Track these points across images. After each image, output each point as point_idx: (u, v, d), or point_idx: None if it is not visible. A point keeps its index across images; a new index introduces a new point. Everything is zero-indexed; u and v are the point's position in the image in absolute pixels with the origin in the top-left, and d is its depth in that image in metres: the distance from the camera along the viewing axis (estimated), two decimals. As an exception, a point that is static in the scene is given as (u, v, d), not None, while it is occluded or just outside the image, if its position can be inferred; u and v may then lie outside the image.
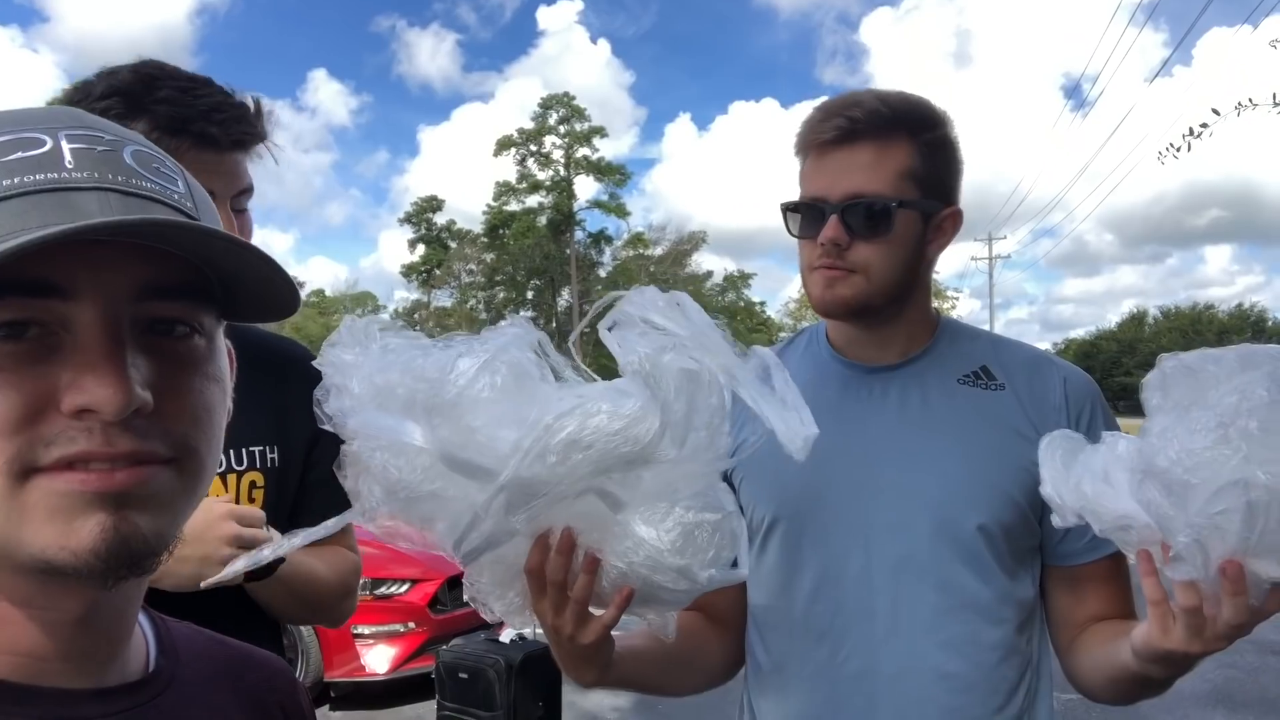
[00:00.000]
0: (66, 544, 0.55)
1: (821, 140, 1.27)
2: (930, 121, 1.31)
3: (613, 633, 1.05)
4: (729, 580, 0.99)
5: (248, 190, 1.29)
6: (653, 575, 0.94)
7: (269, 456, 1.32)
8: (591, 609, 1.00)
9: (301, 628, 5.53)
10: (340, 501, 0.93)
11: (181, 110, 1.18)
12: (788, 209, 1.33)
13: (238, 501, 1.27)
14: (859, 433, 1.31)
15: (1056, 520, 1.02)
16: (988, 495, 1.25)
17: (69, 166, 0.56)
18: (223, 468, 1.26)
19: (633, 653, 1.22)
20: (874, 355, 1.36)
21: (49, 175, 0.55)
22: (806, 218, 1.30)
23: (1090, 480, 0.98)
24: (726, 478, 1.32)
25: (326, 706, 5.68)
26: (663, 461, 0.91)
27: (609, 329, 0.99)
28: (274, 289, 0.63)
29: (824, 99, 1.34)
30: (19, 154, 0.56)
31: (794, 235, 1.33)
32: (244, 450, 1.29)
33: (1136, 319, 79.04)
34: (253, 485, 1.30)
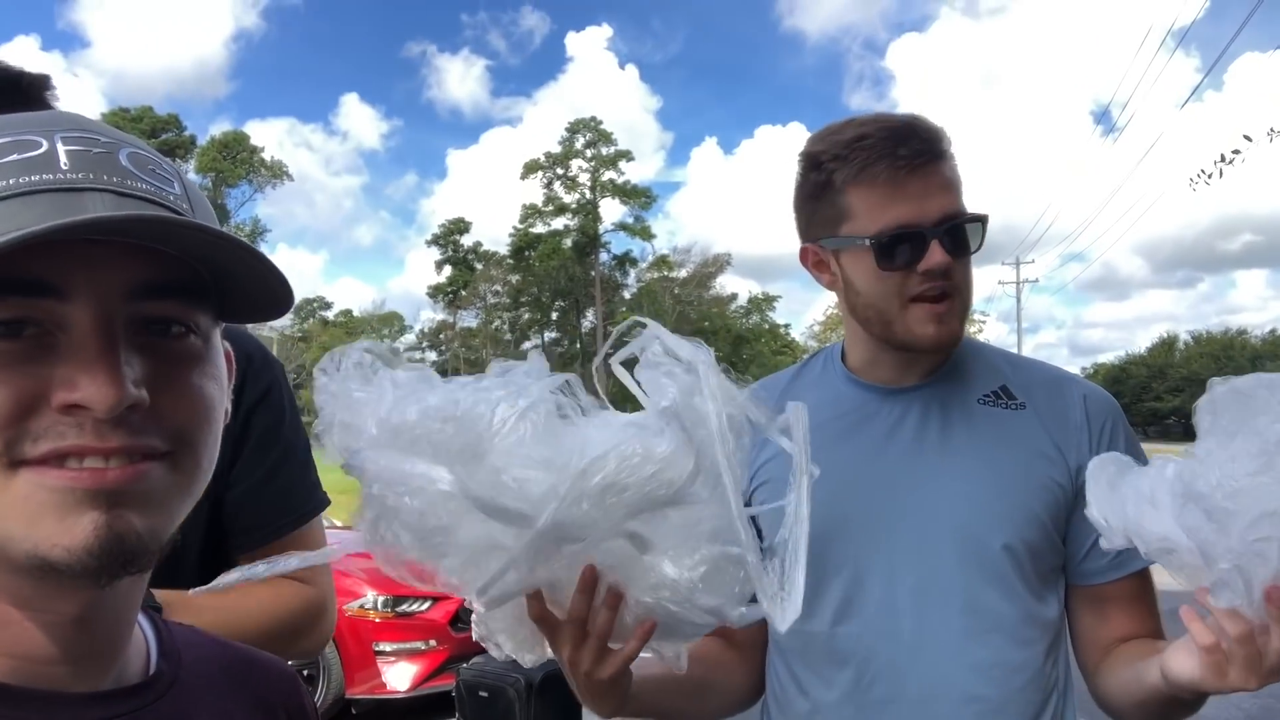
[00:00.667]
0: (60, 541, 0.55)
1: (904, 163, 1.22)
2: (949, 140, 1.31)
3: None
4: (757, 616, 0.97)
5: None
6: (679, 611, 0.94)
7: None
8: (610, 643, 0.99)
9: (324, 644, 5.57)
10: (286, 511, 0.89)
11: None
12: (877, 242, 1.23)
13: None
14: (879, 457, 1.30)
15: (1104, 543, 1.00)
16: (1012, 515, 1.24)
17: (64, 168, 0.57)
18: None
19: (652, 681, 1.21)
20: (895, 377, 1.34)
21: (44, 176, 0.56)
22: (895, 249, 1.23)
23: (1135, 502, 0.97)
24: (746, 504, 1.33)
25: (348, 724, 5.69)
26: (694, 503, 0.91)
27: (623, 363, 1.00)
28: (268, 287, 0.63)
29: (853, 124, 1.28)
30: (15, 155, 0.56)
31: (887, 268, 1.24)
32: None
33: (1167, 344, 78.00)
34: None
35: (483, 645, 1.03)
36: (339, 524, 8.31)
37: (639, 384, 0.97)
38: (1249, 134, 6.44)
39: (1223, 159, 6.54)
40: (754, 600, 0.96)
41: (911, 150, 1.22)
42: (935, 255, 1.21)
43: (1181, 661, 1.00)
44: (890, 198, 1.23)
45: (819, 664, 1.30)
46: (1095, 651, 1.30)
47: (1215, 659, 0.93)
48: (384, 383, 0.92)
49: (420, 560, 0.90)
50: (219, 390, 0.64)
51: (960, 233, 1.24)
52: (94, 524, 0.55)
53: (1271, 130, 6.36)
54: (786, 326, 67.68)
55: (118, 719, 0.62)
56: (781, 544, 0.96)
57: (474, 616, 1.02)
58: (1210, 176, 6.60)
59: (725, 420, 0.92)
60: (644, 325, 1.01)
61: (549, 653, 1.03)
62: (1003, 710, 1.22)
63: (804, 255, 1.38)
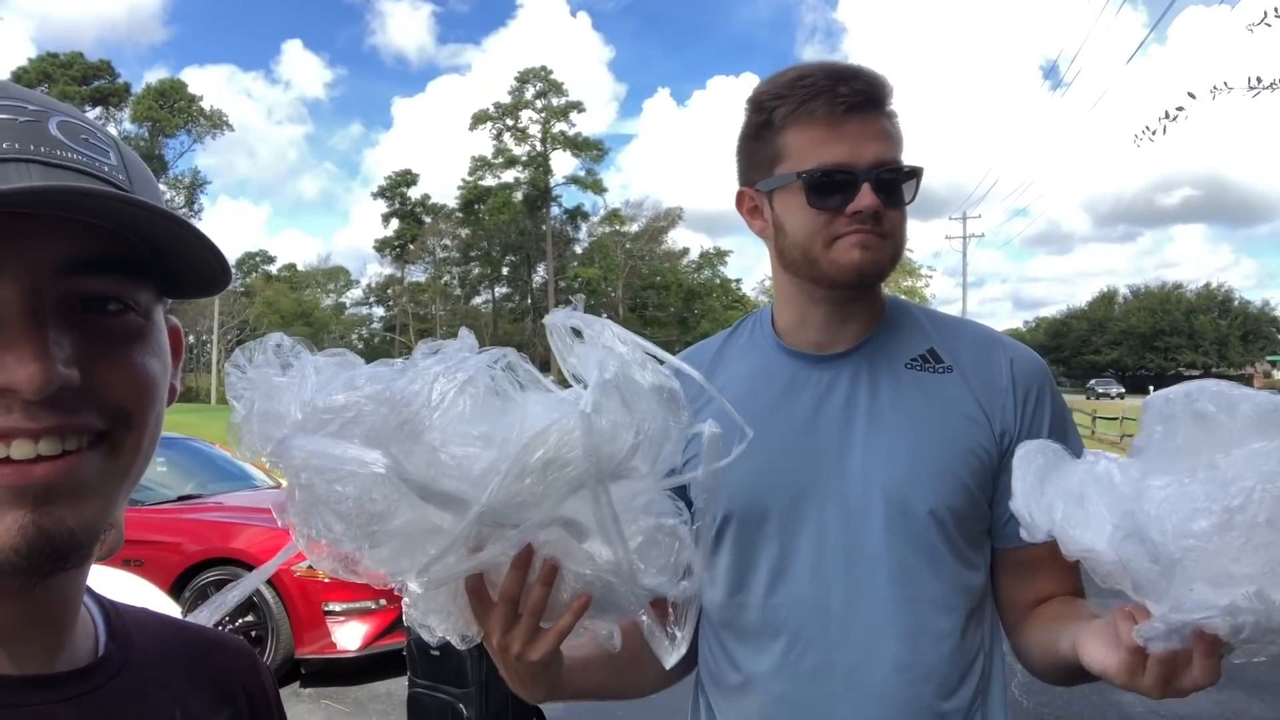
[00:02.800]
0: None
1: (842, 105, 1.22)
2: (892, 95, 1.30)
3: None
4: (697, 590, 0.97)
5: None
6: (616, 583, 0.91)
7: None
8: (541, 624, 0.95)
9: (272, 605, 5.50)
10: None
11: None
12: (807, 177, 1.23)
13: None
14: (808, 428, 1.28)
15: (1024, 534, 0.96)
16: (938, 481, 1.23)
17: None
18: None
19: (582, 663, 1.19)
20: (824, 340, 1.32)
21: None
22: (826, 187, 1.23)
23: (1064, 502, 0.93)
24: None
25: (297, 683, 5.66)
26: (634, 478, 0.90)
27: (563, 336, 0.97)
28: (205, 262, 0.60)
29: (797, 68, 1.28)
30: None
31: (816, 206, 1.23)
32: None
33: (1106, 298, 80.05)
34: None
35: (414, 629, 0.99)
36: (284, 483, 8.23)
37: (577, 360, 0.94)
38: (1193, 91, 6.50)
39: (1167, 115, 6.60)
40: (690, 572, 0.96)
41: (852, 90, 1.22)
42: (865, 198, 1.21)
43: (1096, 651, 0.98)
44: (827, 137, 1.23)
45: (751, 636, 1.30)
46: (1016, 610, 1.31)
47: (1132, 662, 0.92)
48: (306, 368, 0.87)
49: (354, 550, 0.86)
50: (162, 369, 0.61)
51: (894, 182, 1.24)
52: (19, 524, 0.53)
53: (1214, 88, 6.44)
54: (738, 281, 68.01)
55: (66, 702, 0.60)
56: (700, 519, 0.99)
57: (404, 602, 0.97)
58: (1155, 133, 6.67)
59: (667, 394, 0.92)
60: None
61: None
62: (931, 677, 1.22)
63: (739, 200, 1.37)
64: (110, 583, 3.99)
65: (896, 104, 1.29)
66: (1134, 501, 0.85)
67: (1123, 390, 58.43)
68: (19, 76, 57.62)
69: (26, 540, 0.53)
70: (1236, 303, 71.75)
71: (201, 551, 5.76)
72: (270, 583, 5.55)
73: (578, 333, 0.95)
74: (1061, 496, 0.93)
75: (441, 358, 0.89)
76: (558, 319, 0.97)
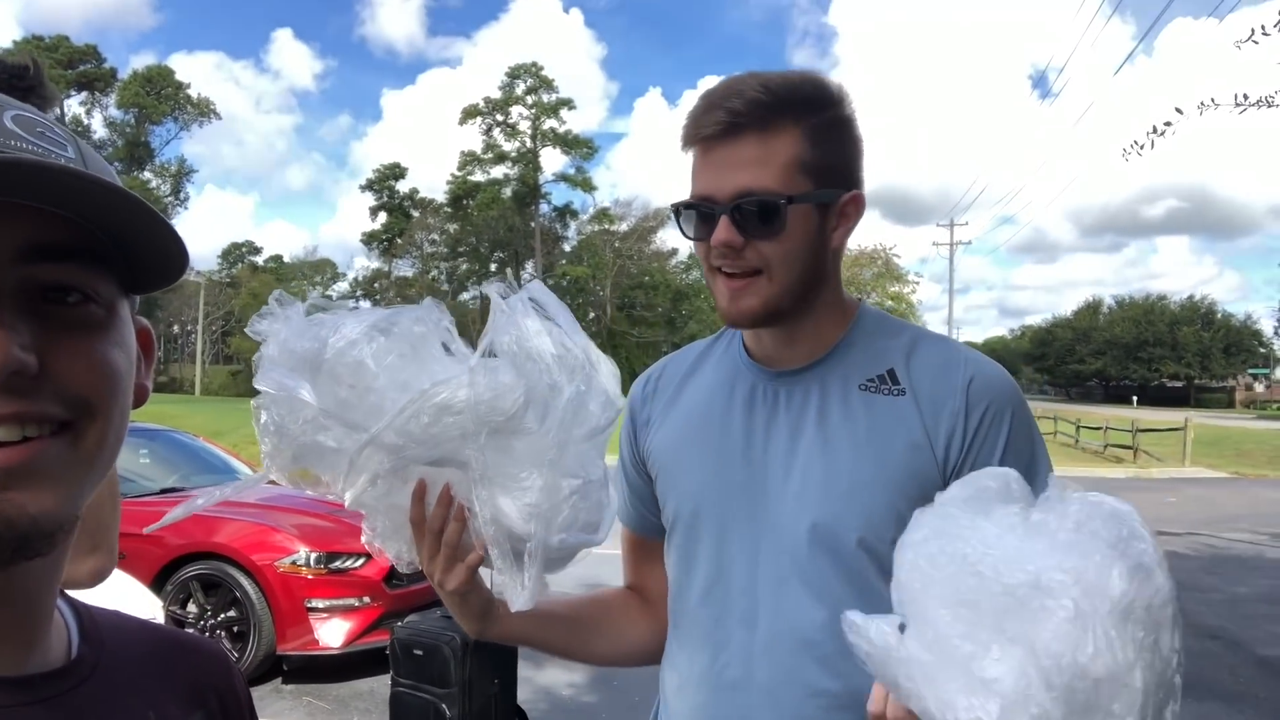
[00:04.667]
0: None
1: (703, 135, 1.18)
2: (818, 103, 1.19)
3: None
4: (580, 543, 1.16)
5: None
6: (511, 530, 1.10)
7: None
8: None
9: (255, 601, 5.47)
10: None
11: None
12: (678, 209, 1.23)
13: None
14: (760, 440, 1.27)
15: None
16: (870, 510, 1.18)
17: None
18: None
19: (545, 616, 1.32)
20: (782, 358, 1.29)
21: None
22: (699, 218, 1.21)
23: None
24: (643, 468, 1.42)
25: (279, 680, 5.63)
26: (528, 432, 1.09)
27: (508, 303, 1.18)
28: (165, 251, 0.59)
29: (708, 87, 1.22)
30: None
31: (688, 237, 1.24)
32: None
33: (1092, 308, 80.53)
34: None
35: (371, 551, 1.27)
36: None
37: (498, 326, 1.14)
38: (1180, 107, 6.55)
39: (1154, 130, 6.65)
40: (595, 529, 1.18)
41: (713, 121, 1.17)
42: (720, 232, 1.17)
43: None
44: (698, 166, 1.22)
45: (686, 639, 1.31)
46: None
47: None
48: (295, 315, 1.11)
49: (295, 467, 1.11)
50: (126, 362, 0.60)
51: (758, 213, 1.16)
52: None
53: (1201, 104, 6.48)
54: (726, 282, 67.77)
55: (37, 704, 0.59)
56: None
57: (363, 524, 1.20)
58: (1142, 147, 6.71)
59: (554, 360, 1.12)
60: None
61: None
62: (850, 706, 1.18)
63: None
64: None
65: (813, 113, 1.18)
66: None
67: None
68: (2, 60, 56.85)
69: None
70: (1220, 315, 72.24)
71: (184, 545, 5.72)
72: (253, 579, 5.52)
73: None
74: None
75: (391, 314, 1.11)
76: (492, 290, 1.18)
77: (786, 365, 1.29)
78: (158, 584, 5.54)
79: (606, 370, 1.20)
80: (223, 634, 5.54)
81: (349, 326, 1.08)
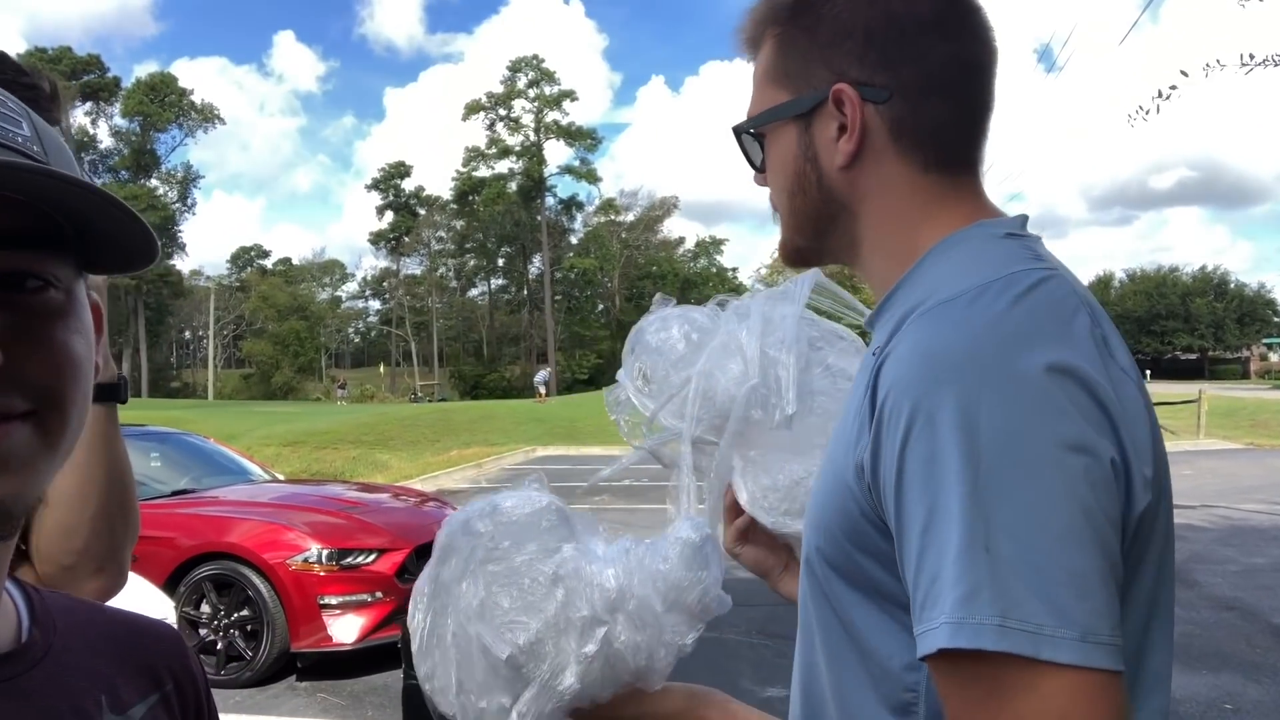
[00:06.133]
0: None
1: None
2: (788, 3, 0.95)
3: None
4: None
5: None
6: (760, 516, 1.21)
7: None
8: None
9: (268, 599, 5.49)
10: None
11: None
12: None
13: None
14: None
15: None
16: (819, 513, 0.89)
17: None
18: None
19: None
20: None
21: None
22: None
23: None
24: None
25: (293, 677, 5.64)
26: (761, 425, 1.18)
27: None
28: (130, 237, 0.58)
29: None
30: None
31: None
32: None
33: (1103, 282, 79.91)
34: None
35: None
36: (280, 477, 8.21)
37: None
38: (1185, 69, 6.46)
39: (1160, 94, 6.56)
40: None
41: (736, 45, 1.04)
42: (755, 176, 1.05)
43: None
44: None
45: None
46: None
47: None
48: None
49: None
50: (86, 346, 0.59)
51: (741, 149, 1.03)
52: None
53: (1206, 65, 6.40)
54: (734, 270, 67.89)
55: None
56: None
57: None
58: (1148, 112, 6.63)
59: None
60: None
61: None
62: None
63: None
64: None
65: (774, 18, 0.97)
66: None
67: None
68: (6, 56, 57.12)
69: None
70: (1233, 285, 71.60)
71: (196, 546, 5.74)
72: (266, 578, 5.54)
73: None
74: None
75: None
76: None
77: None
78: (170, 585, 5.56)
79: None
80: (236, 633, 5.56)
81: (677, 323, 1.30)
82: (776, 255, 1.07)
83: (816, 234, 0.98)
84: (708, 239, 67.81)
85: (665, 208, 66.60)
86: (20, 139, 0.55)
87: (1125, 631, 0.69)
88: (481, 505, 1.12)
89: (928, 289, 0.84)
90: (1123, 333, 0.84)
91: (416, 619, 1.09)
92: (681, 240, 67.68)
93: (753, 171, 1.04)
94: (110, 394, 1.30)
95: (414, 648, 1.09)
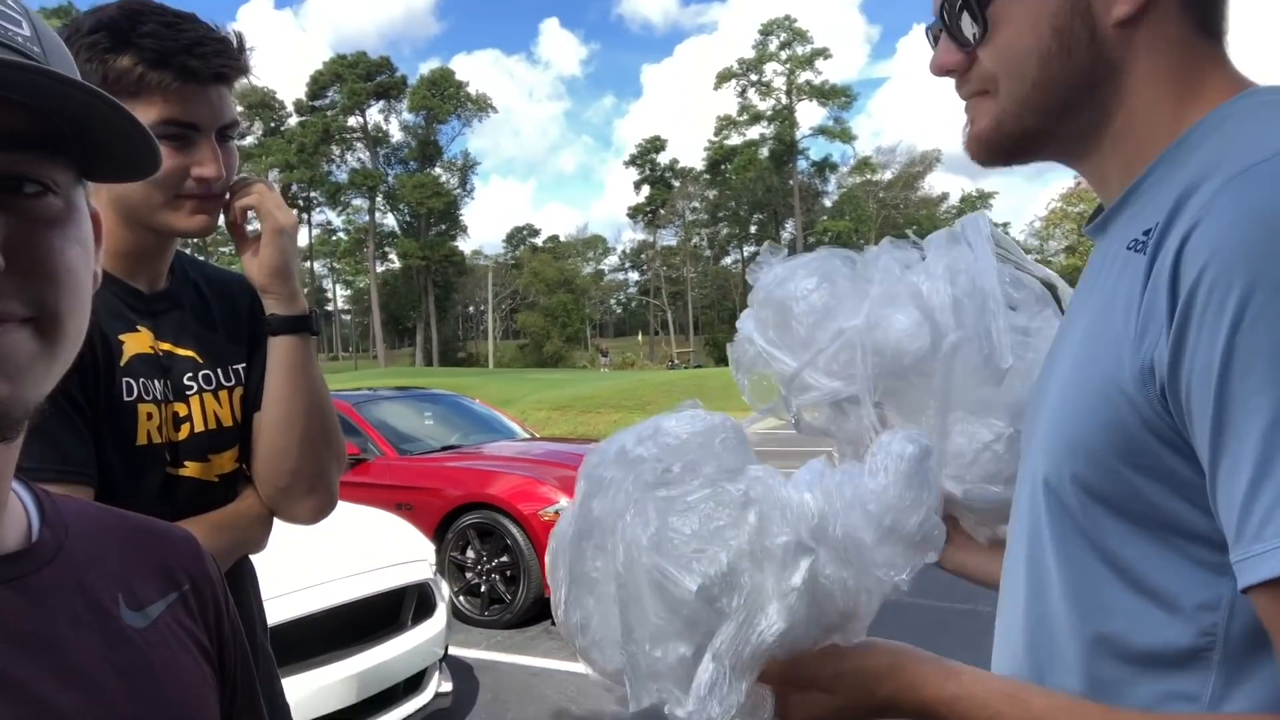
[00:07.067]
0: None
1: None
2: None
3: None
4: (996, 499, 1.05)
5: (233, 124, 1.32)
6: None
7: (244, 371, 1.43)
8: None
9: (523, 547, 5.84)
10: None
11: (164, 44, 1.21)
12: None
13: (233, 415, 1.39)
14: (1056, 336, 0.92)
15: None
16: (1069, 439, 0.77)
17: None
18: (213, 385, 1.37)
19: (985, 550, 1.17)
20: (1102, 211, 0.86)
21: None
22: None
23: None
24: None
25: (549, 621, 5.97)
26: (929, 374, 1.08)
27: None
28: (130, 142, 0.57)
29: None
30: None
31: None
32: (231, 369, 1.40)
33: None
34: (242, 399, 1.41)
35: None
36: (537, 436, 8.71)
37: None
38: None
39: None
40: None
41: None
42: (937, 56, 0.95)
43: None
44: None
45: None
46: None
47: None
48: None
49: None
50: (84, 254, 0.59)
51: (950, 14, 0.87)
52: None
53: None
54: (1005, 225, 63.00)
55: (1, 585, 0.59)
56: None
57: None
58: None
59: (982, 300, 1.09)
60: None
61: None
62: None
63: None
64: (372, 522, 4.39)
65: None
66: None
67: None
68: (315, 79, 64.89)
69: None
70: None
71: (462, 496, 6.21)
72: (521, 527, 5.90)
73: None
74: None
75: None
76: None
77: (1094, 221, 0.86)
78: (440, 531, 6.08)
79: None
80: (497, 578, 5.98)
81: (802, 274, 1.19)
82: (1049, 211, 0.90)
83: (1062, 111, 0.82)
84: (974, 193, 63.57)
85: (926, 162, 63.21)
86: (20, 39, 0.54)
87: None
88: (639, 429, 0.98)
89: (1213, 160, 0.70)
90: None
91: (559, 569, 0.97)
92: (944, 196, 64.04)
93: (946, 52, 0.88)
94: (302, 325, 1.38)
95: (558, 598, 0.96)
